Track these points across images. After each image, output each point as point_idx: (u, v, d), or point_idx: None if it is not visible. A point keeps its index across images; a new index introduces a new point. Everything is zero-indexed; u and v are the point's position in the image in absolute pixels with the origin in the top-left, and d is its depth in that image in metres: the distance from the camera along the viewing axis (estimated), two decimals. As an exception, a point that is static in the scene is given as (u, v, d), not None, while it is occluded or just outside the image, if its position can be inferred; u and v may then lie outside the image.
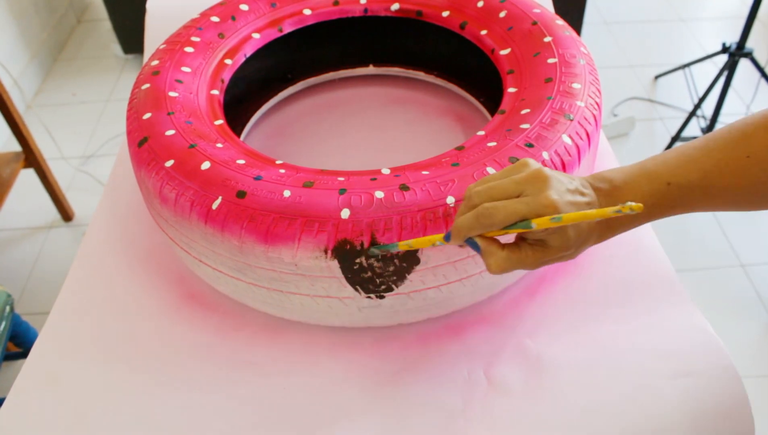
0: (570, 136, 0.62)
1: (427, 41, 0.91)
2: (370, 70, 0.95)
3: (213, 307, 0.68)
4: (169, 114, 0.67)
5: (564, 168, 0.61)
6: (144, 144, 0.65)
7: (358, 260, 0.55)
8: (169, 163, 0.62)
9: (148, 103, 0.69)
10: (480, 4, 0.82)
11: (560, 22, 0.78)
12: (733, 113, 1.90)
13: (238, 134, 0.84)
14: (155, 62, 0.76)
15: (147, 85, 0.72)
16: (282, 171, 0.61)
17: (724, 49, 1.68)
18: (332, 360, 0.63)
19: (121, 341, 0.65)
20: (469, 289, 0.61)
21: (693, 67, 1.98)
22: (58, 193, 1.63)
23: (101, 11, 2.45)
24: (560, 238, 0.46)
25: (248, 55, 0.82)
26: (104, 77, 2.17)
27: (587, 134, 0.64)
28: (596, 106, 0.67)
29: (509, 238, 0.49)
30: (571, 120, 0.64)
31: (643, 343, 0.61)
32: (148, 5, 1.07)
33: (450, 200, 0.56)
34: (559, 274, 0.68)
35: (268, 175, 0.60)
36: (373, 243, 0.54)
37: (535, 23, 0.77)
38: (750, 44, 1.79)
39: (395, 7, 0.86)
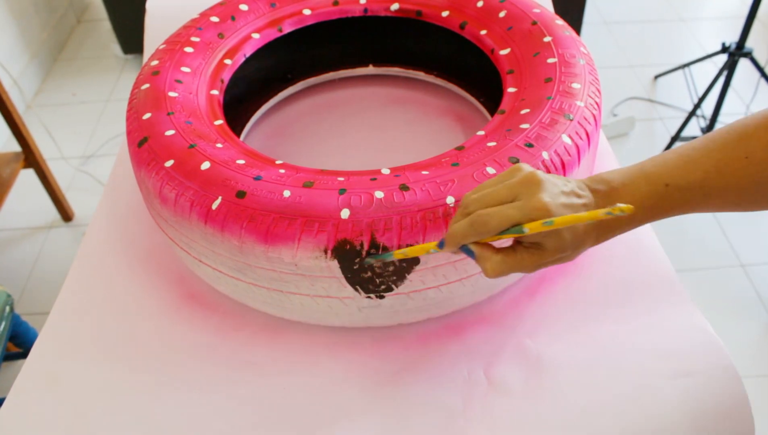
0: (570, 136, 0.62)
1: (427, 41, 0.91)
2: (370, 70, 0.95)
3: (213, 307, 0.68)
4: (168, 114, 0.67)
5: (564, 168, 0.61)
6: (144, 144, 0.65)
7: (357, 260, 0.55)
8: (169, 163, 0.62)
9: (148, 103, 0.69)
10: (480, 4, 0.82)
11: (560, 22, 0.78)
12: (732, 113, 1.90)
13: (238, 134, 0.84)
14: (155, 62, 0.76)
15: (147, 85, 0.72)
16: (282, 171, 0.61)
17: (724, 49, 1.68)
18: (332, 360, 0.63)
19: (121, 341, 0.65)
20: (469, 289, 0.61)
21: (693, 67, 1.98)
22: (58, 193, 1.63)
23: (101, 11, 2.45)
24: (556, 240, 0.46)
25: (248, 55, 0.82)
26: (104, 77, 2.17)
27: (587, 134, 0.64)
28: (596, 106, 0.67)
29: (506, 241, 0.49)
30: (571, 120, 0.64)
31: (643, 343, 0.61)
32: (148, 5, 1.07)
33: (450, 200, 0.56)
34: (559, 274, 0.68)
35: (268, 175, 0.60)
36: (372, 246, 0.54)
37: (534, 23, 0.77)
38: (750, 44, 1.79)
39: (395, 7, 0.86)
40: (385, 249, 0.54)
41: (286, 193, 0.57)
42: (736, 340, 1.36)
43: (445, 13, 0.84)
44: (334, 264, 0.55)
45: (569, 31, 0.76)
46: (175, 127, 0.66)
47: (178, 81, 0.73)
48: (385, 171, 0.60)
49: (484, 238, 0.46)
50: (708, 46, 2.21)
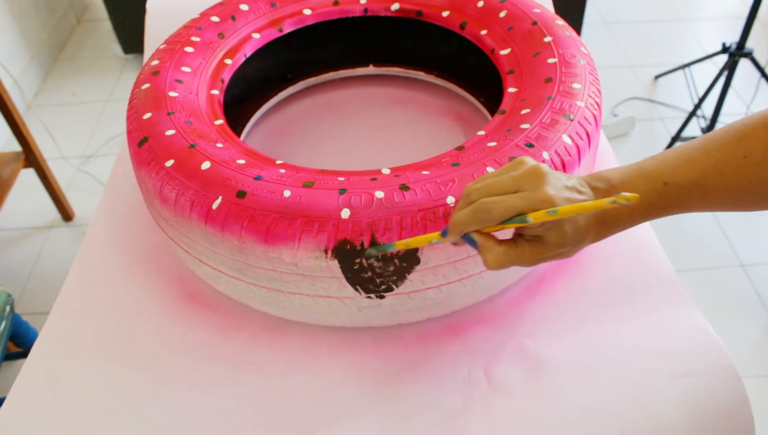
0: (570, 136, 0.62)
1: (427, 41, 0.91)
2: (370, 70, 0.95)
3: (213, 307, 0.68)
4: (169, 114, 0.67)
5: (564, 168, 0.61)
6: (144, 144, 0.65)
7: (358, 260, 0.55)
8: (169, 163, 0.62)
9: (148, 103, 0.69)
10: (480, 4, 0.82)
11: (560, 22, 0.78)
12: (733, 113, 1.90)
13: (238, 134, 0.84)
14: (155, 62, 0.76)
15: (147, 85, 0.72)
16: (282, 171, 0.61)
17: (724, 49, 1.68)
18: (332, 360, 0.63)
19: (121, 341, 0.65)
20: (469, 289, 0.61)
21: (693, 67, 1.98)
22: (58, 193, 1.63)
23: (101, 11, 2.45)
24: (557, 234, 0.46)
25: (248, 55, 0.82)
26: (104, 77, 2.17)
27: (587, 134, 0.64)
28: (596, 106, 0.67)
29: (507, 234, 0.49)
30: (571, 120, 0.64)
31: (643, 343, 0.61)
32: (148, 5, 1.07)
33: (450, 200, 0.56)
34: (559, 274, 0.68)
35: (268, 175, 0.60)
36: (373, 244, 0.54)
37: (535, 23, 0.77)
38: (750, 44, 1.79)
39: (395, 7, 0.86)
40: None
41: (287, 193, 0.57)
42: (736, 340, 1.36)
43: (445, 13, 0.84)
44: (334, 264, 0.55)
45: (569, 31, 0.76)
46: (175, 126, 0.66)
47: (179, 81, 0.73)
48: (386, 171, 0.60)
49: (487, 227, 0.46)
50: (708, 46, 2.21)
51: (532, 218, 0.44)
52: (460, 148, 0.63)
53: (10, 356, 1.23)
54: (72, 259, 0.74)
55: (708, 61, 1.97)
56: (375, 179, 0.59)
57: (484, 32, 0.80)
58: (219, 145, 0.64)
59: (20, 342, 1.16)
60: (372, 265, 0.56)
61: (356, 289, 0.57)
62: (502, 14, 0.79)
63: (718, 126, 1.75)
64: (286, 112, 0.93)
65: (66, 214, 1.67)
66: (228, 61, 0.79)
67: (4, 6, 1.97)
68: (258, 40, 0.83)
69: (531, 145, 0.61)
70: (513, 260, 0.47)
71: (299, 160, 0.78)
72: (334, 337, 0.64)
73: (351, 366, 0.62)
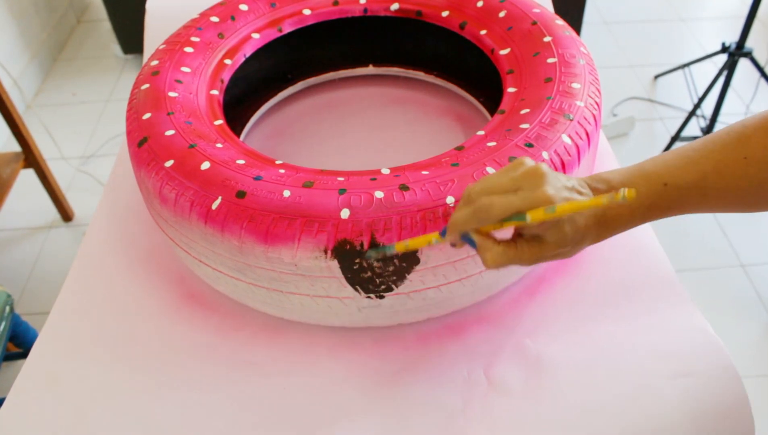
0: (570, 136, 0.62)
1: (427, 41, 0.91)
2: (370, 70, 0.95)
3: (213, 307, 0.68)
4: (168, 114, 0.67)
5: (564, 168, 0.61)
6: (144, 144, 0.65)
7: (357, 260, 0.55)
8: (168, 163, 0.62)
9: (147, 103, 0.69)
10: (480, 4, 0.82)
11: (560, 22, 0.78)
12: (732, 113, 1.90)
13: (238, 134, 0.84)
14: (155, 62, 0.76)
15: (147, 85, 0.72)
16: (282, 171, 0.61)
17: (724, 49, 1.68)
18: (332, 360, 0.63)
19: (121, 341, 0.65)
20: (468, 289, 0.61)
21: (693, 66, 1.98)
22: (58, 193, 1.63)
23: (101, 11, 2.45)
24: (556, 233, 0.46)
25: (248, 55, 0.82)
26: (104, 77, 2.17)
27: (587, 134, 0.64)
28: (596, 106, 0.67)
29: (507, 234, 0.49)
30: (571, 120, 0.64)
31: (643, 343, 0.61)
32: (148, 5, 1.07)
33: (450, 200, 0.56)
34: (559, 274, 0.68)
35: (267, 175, 0.60)
36: (372, 244, 0.54)
37: (534, 23, 0.77)
38: (750, 44, 1.79)
39: (395, 7, 0.86)
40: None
41: (286, 193, 0.57)
42: (736, 340, 1.36)
43: (445, 13, 0.84)
44: (334, 264, 0.56)
45: (569, 31, 0.76)
46: (175, 127, 0.66)
47: (178, 81, 0.73)
48: (385, 171, 0.60)
49: (486, 227, 0.46)
50: (708, 46, 2.21)
51: (531, 217, 0.44)
52: (459, 148, 0.63)
53: (10, 356, 1.23)
54: (72, 259, 0.74)
55: (708, 60, 1.97)
56: (375, 179, 0.59)
57: (483, 32, 0.80)
58: (219, 145, 0.64)
59: (20, 342, 1.16)
60: (372, 265, 0.56)
61: (356, 289, 0.57)
62: (502, 14, 0.79)
63: (718, 126, 1.76)
64: (286, 112, 0.93)
65: (66, 215, 1.67)
66: (228, 62, 0.79)
67: (4, 6, 1.97)
68: (258, 40, 0.82)
69: (531, 145, 0.61)
70: (512, 260, 0.47)
71: (299, 160, 0.78)
72: (334, 337, 0.64)
73: (351, 366, 0.62)
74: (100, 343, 0.65)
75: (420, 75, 0.93)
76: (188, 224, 0.60)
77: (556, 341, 0.62)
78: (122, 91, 2.11)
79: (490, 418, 0.57)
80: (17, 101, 1.97)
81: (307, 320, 0.64)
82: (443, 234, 0.49)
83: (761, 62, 1.82)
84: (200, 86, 0.74)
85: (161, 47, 0.79)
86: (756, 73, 1.80)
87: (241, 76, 0.83)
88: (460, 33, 0.83)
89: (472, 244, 0.47)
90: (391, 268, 0.56)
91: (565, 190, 0.46)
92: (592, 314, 0.64)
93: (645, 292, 0.66)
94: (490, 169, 0.59)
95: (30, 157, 1.54)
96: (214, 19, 0.82)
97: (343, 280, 0.57)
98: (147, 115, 0.68)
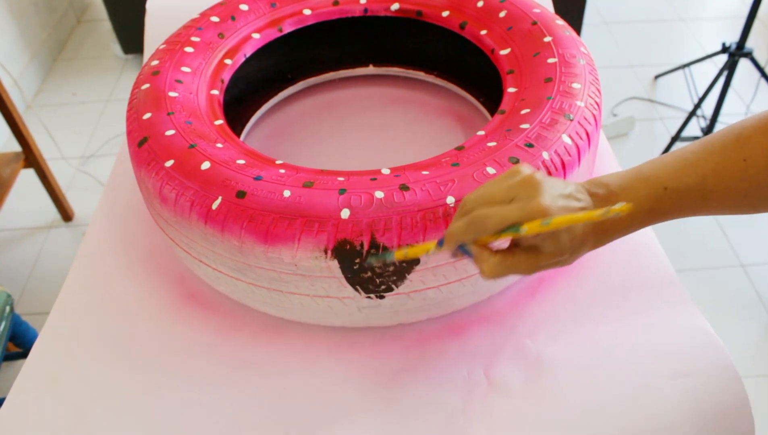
0: (570, 136, 0.62)
1: (427, 41, 0.91)
2: (370, 70, 0.95)
3: (213, 307, 0.68)
4: (169, 114, 0.67)
5: (564, 168, 0.61)
6: (144, 144, 0.65)
7: (357, 260, 0.55)
8: (169, 163, 0.62)
9: (148, 103, 0.69)
10: (480, 4, 0.82)
11: (560, 22, 0.78)
12: (733, 113, 1.90)
13: (238, 134, 0.84)
14: (155, 62, 0.76)
15: (147, 85, 0.72)
16: (282, 171, 0.61)
17: (724, 49, 1.68)
18: (332, 360, 0.62)
19: (121, 341, 0.65)
20: (469, 289, 0.61)
21: (693, 67, 1.98)
22: (58, 193, 1.63)
23: (101, 11, 2.45)
24: (554, 243, 0.46)
25: (248, 55, 0.82)
26: (104, 77, 2.17)
27: (587, 134, 0.64)
28: (596, 106, 0.67)
29: (504, 243, 0.49)
30: (571, 120, 0.64)
31: (643, 343, 0.61)
32: (148, 5, 1.07)
33: (450, 200, 0.56)
34: (559, 274, 0.68)
35: (268, 175, 0.60)
36: (372, 246, 0.54)
37: (535, 23, 0.77)
38: (750, 44, 1.79)
39: (395, 7, 0.86)
40: (385, 249, 0.54)
41: (286, 193, 0.57)
42: (736, 340, 1.36)
43: (445, 13, 0.84)
44: (334, 264, 0.55)
45: (569, 31, 0.76)
46: (175, 127, 0.66)
47: (178, 81, 0.73)
48: (385, 171, 0.60)
49: (482, 238, 0.46)
50: (708, 46, 2.21)
51: (527, 229, 0.44)
52: (459, 148, 0.63)
53: (10, 356, 1.23)
54: (72, 259, 0.74)
55: (708, 61, 1.97)
56: (375, 179, 0.59)
57: (483, 32, 0.80)
58: (219, 145, 0.64)
59: (20, 342, 1.16)
60: (372, 265, 0.56)
61: (356, 289, 0.57)
62: (502, 14, 0.79)
63: (718, 126, 1.76)
64: (286, 112, 0.93)
65: (66, 214, 1.67)
66: (228, 61, 0.79)
67: (4, 6, 1.97)
68: (258, 40, 0.83)
69: (531, 145, 0.61)
70: (509, 270, 0.47)
71: (299, 160, 0.78)
72: (334, 337, 0.64)
73: (351, 366, 0.62)
74: (100, 343, 0.65)
75: (420, 75, 0.93)
76: (188, 224, 0.60)
77: (556, 341, 0.62)
78: (122, 91, 2.11)
79: (490, 418, 0.57)
80: (17, 101, 1.97)
81: (307, 320, 0.64)
82: (440, 244, 0.49)
83: (761, 62, 1.82)
84: (200, 86, 0.74)
85: (161, 47, 0.79)
86: (756, 74, 1.80)
87: (241, 76, 0.83)
88: (460, 33, 0.83)
89: (469, 254, 0.47)
90: (391, 269, 0.56)
91: (561, 199, 0.46)
92: (592, 314, 0.64)
93: (645, 292, 0.66)
94: (490, 170, 0.59)
95: (30, 157, 1.54)
96: (215, 19, 0.82)
97: (343, 280, 0.57)
98: (147, 115, 0.68)
